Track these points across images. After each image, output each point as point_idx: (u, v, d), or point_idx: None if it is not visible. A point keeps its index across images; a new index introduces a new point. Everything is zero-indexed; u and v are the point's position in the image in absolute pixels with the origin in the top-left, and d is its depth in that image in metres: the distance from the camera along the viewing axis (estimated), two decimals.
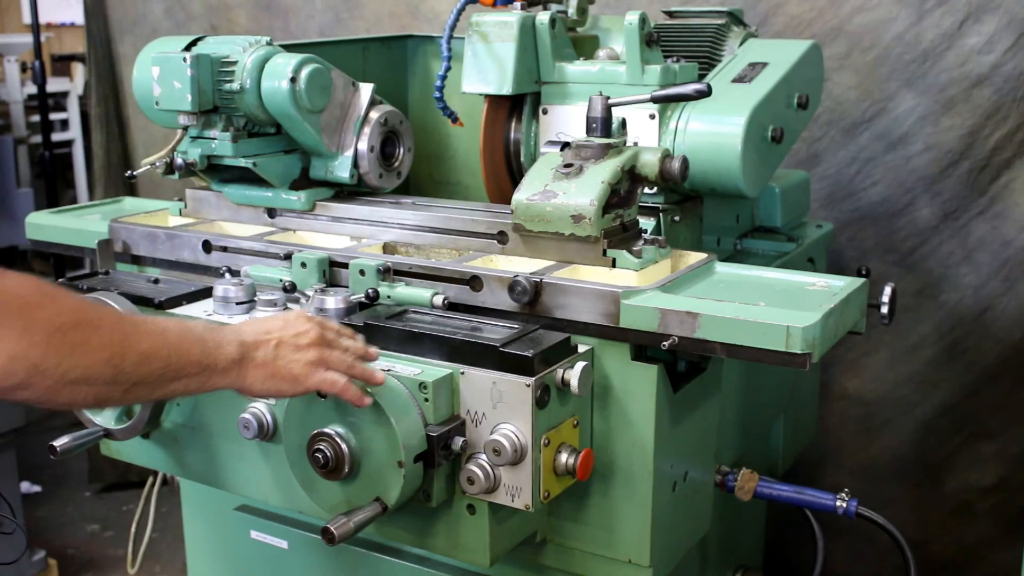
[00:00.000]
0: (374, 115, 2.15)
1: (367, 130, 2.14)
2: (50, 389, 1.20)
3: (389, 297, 1.80)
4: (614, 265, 1.76)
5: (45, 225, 2.39)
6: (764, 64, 2.08)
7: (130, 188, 3.91)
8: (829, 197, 2.91)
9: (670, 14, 2.38)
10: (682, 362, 1.82)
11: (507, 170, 2.19)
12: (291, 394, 1.52)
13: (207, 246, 2.09)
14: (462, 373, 1.59)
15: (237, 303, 1.86)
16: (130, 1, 4.03)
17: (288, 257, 1.94)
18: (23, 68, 6.47)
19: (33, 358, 1.17)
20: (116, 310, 1.33)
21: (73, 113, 6.81)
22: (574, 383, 1.59)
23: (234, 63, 2.03)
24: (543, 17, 2.07)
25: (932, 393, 2.94)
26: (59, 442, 1.99)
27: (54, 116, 6.49)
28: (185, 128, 2.10)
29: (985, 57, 2.67)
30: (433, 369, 1.59)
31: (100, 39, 4.10)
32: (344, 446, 1.56)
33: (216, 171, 2.18)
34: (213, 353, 1.42)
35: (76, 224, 2.35)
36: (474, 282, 1.76)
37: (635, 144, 1.92)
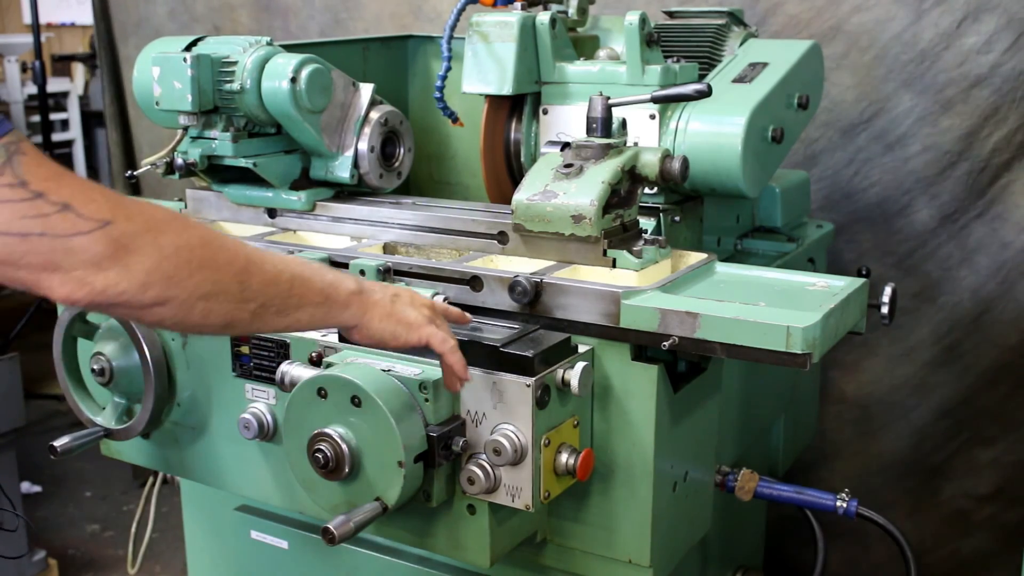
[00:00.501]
0: (374, 115, 2.15)
1: (367, 130, 2.14)
2: (184, 305, 1.23)
3: None
4: (614, 265, 1.76)
5: None
6: (764, 64, 2.08)
7: (134, 188, 3.91)
8: (827, 199, 2.90)
9: (670, 14, 2.38)
10: (682, 362, 1.82)
11: (507, 170, 2.19)
12: (403, 340, 1.50)
13: None
14: None
15: None
16: (132, 3, 4.03)
17: None
18: (23, 68, 6.48)
19: (166, 270, 1.20)
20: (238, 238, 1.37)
21: (73, 113, 6.81)
22: (574, 383, 1.59)
23: (234, 63, 2.03)
24: (543, 17, 2.07)
25: (930, 397, 2.93)
26: (59, 442, 2.00)
27: (54, 116, 6.50)
28: (185, 128, 2.10)
29: (984, 57, 2.67)
30: (433, 369, 1.59)
31: (107, 40, 4.12)
32: (344, 446, 1.56)
33: (216, 171, 2.18)
34: (334, 285, 1.44)
35: None
36: (474, 282, 1.76)
37: (635, 144, 1.92)
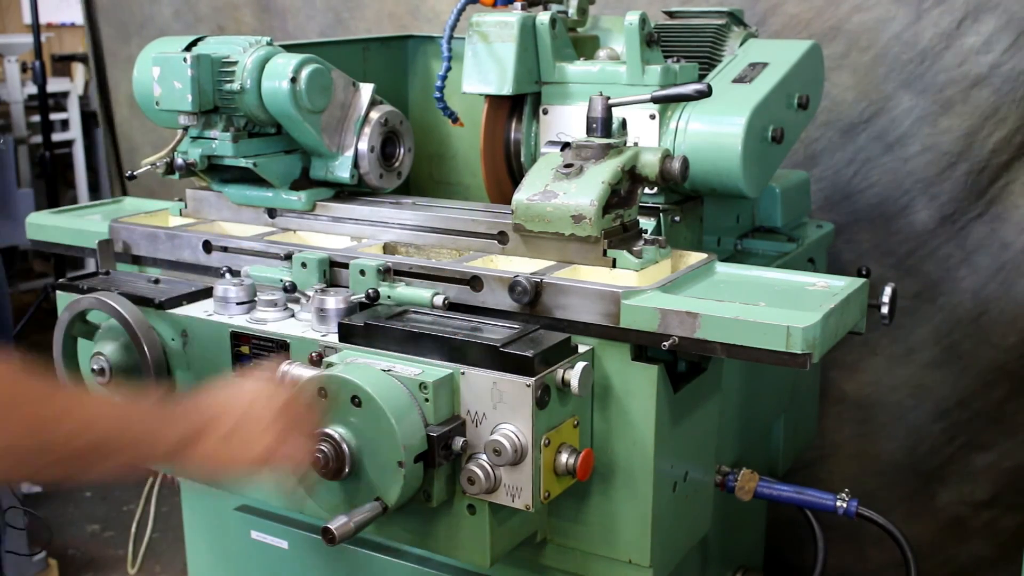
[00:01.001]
0: (374, 115, 2.15)
1: (367, 130, 2.14)
2: None
3: (389, 297, 1.80)
4: (614, 265, 1.76)
5: (45, 225, 2.39)
6: (764, 64, 2.08)
7: (136, 188, 3.92)
8: (826, 199, 2.90)
9: (670, 14, 2.38)
10: (682, 362, 1.82)
11: (507, 170, 2.19)
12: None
13: (207, 246, 2.09)
14: (462, 373, 1.59)
15: (237, 303, 1.87)
16: (137, 3, 4.04)
17: (288, 257, 1.94)
18: (23, 68, 6.46)
19: None
20: (53, 379, 1.35)
21: (73, 113, 6.79)
22: (574, 383, 1.59)
23: (234, 63, 2.03)
24: (543, 17, 2.07)
25: (929, 399, 2.93)
26: None
27: (54, 116, 6.48)
28: (185, 128, 2.10)
29: (983, 57, 2.67)
30: (433, 369, 1.60)
31: (94, 40, 4.13)
32: (344, 446, 1.56)
33: (216, 171, 2.18)
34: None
35: (76, 224, 2.35)
36: (474, 282, 1.76)
37: (635, 144, 1.92)
